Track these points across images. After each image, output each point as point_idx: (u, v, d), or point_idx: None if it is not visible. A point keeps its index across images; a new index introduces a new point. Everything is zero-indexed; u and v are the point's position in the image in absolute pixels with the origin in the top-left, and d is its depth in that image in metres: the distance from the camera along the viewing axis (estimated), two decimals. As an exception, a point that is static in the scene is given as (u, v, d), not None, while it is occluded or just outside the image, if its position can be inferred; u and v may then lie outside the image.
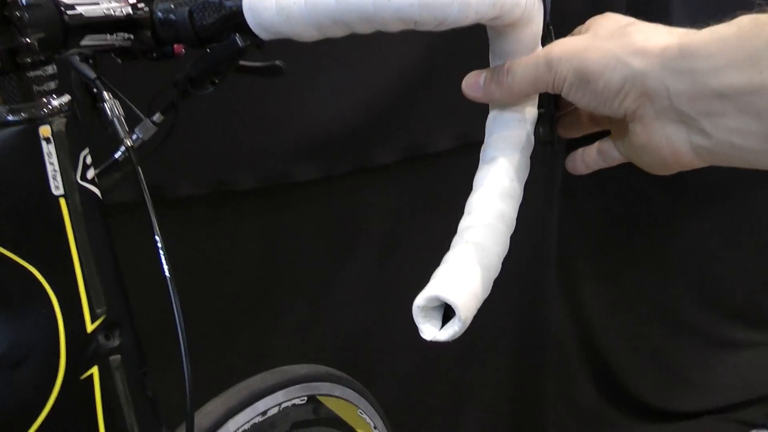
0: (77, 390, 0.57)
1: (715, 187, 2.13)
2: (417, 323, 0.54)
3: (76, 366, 0.56)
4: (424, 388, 1.62)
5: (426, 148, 1.47)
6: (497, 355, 1.73)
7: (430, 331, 0.54)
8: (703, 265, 2.18)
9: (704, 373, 2.14)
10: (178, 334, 0.58)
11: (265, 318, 1.36)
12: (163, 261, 0.58)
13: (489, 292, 0.57)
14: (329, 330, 1.45)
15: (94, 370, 0.57)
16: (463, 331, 0.53)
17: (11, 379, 0.54)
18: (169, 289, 0.58)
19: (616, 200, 1.98)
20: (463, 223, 0.61)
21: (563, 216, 1.82)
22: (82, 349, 0.57)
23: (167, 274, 0.58)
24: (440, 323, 0.55)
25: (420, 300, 0.54)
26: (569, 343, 1.93)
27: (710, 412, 2.06)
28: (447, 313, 0.55)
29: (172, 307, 0.58)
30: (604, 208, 1.97)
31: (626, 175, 1.94)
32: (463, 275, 0.55)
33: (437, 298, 0.54)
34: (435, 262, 0.56)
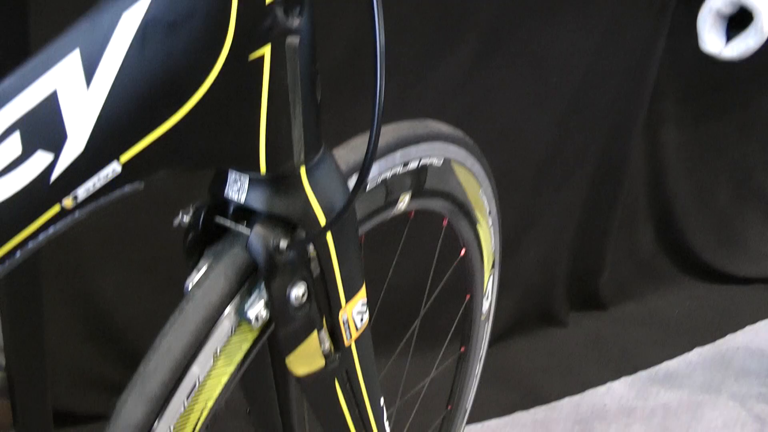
0: (243, 70, 0.45)
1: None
2: (700, 32, 0.44)
3: (247, 40, 0.45)
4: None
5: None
6: (571, 183, 1.65)
7: (715, 43, 0.44)
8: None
9: (763, 242, 2.06)
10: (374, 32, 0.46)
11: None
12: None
13: None
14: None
15: (266, 50, 0.46)
16: (757, 48, 0.43)
17: (167, 44, 0.43)
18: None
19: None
20: None
21: (663, 54, 1.68)
22: (256, 21, 0.44)
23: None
24: (725, 39, 0.45)
25: (716, 1, 0.43)
26: (639, 184, 1.84)
27: (762, 281, 1.99)
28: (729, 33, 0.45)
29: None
30: (701, 54, 1.81)
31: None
32: None
33: (738, 3, 0.43)
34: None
